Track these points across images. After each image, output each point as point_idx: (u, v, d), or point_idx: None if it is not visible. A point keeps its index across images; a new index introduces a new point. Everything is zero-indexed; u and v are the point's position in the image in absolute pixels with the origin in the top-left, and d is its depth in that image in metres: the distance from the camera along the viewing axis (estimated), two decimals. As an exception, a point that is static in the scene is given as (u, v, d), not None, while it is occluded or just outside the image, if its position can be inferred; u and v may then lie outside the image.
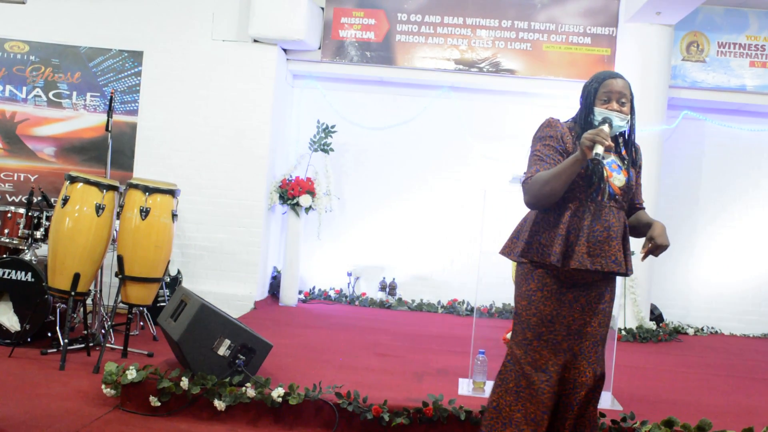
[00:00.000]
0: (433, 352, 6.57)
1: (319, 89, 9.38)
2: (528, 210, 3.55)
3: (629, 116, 3.46)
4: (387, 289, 9.29)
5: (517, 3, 8.94)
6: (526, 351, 3.40)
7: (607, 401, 5.05)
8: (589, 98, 3.45)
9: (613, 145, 3.40)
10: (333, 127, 8.91)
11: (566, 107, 9.15)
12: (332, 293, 9.30)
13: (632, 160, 3.56)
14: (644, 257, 3.37)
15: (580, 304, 3.41)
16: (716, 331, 9.26)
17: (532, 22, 8.94)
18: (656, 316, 8.82)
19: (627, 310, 8.34)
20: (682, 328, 9.05)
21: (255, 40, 8.53)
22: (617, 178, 3.43)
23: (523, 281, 3.47)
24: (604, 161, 3.39)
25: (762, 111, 9.26)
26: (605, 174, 3.39)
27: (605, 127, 3.23)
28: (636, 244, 5.63)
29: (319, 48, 9.00)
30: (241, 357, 4.75)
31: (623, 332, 8.11)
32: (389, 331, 7.52)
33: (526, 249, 3.43)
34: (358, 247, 9.43)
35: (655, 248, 3.34)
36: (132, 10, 8.57)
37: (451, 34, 8.97)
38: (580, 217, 3.35)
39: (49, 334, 6.08)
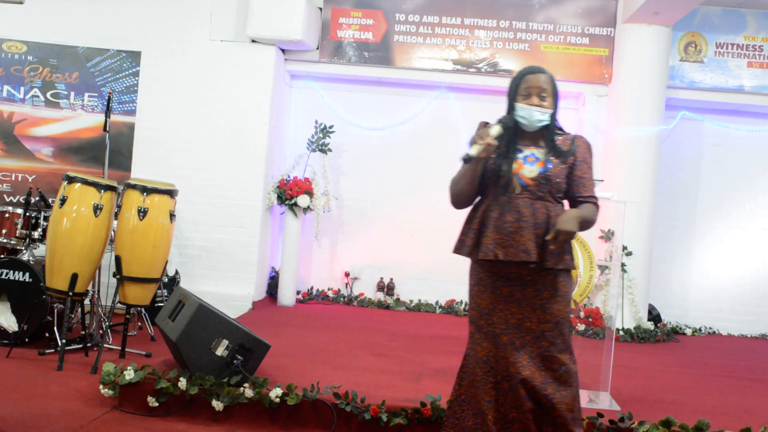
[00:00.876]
0: (431, 352, 6.57)
1: (317, 89, 9.38)
2: None
3: (551, 110, 3.54)
4: (385, 290, 9.29)
5: (515, 3, 8.95)
6: (471, 343, 3.53)
7: (605, 401, 5.06)
8: (512, 94, 3.57)
9: (496, 144, 3.42)
10: (331, 127, 8.91)
11: (564, 107, 9.24)
12: (330, 293, 9.30)
13: (560, 152, 3.54)
14: (551, 243, 3.34)
15: (516, 298, 3.46)
16: (714, 332, 9.27)
17: (530, 22, 8.94)
18: (654, 316, 8.83)
19: (625, 310, 8.35)
20: (680, 328, 9.06)
21: (253, 41, 8.53)
22: (529, 170, 3.46)
23: (469, 277, 3.61)
24: (521, 153, 3.49)
25: (759, 111, 9.27)
26: (515, 166, 3.46)
27: (493, 128, 3.38)
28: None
29: (317, 48, 9.00)
30: (239, 357, 4.75)
31: (621, 332, 8.12)
32: (387, 331, 7.52)
33: (458, 245, 3.59)
34: (356, 247, 9.43)
35: (556, 234, 3.28)
36: (130, 10, 8.56)
37: (449, 35, 8.98)
38: (491, 210, 3.47)
39: (47, 335, 6.07)
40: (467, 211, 3.63)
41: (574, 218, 3.30)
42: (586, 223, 3.46)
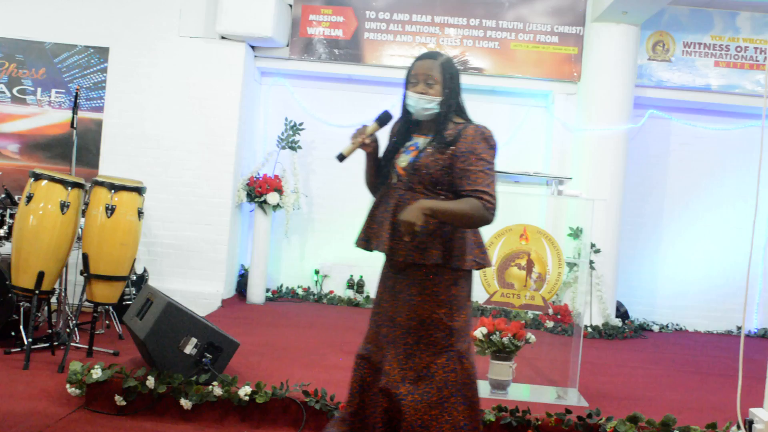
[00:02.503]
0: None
1: (287, 87, 9.36)
2: None
3: (438, 97, 3.33)
4: (355, 287, 9.29)
5: (485, 2, 8.98)
6: (368, 328, 3.50)
7: (573, 398, 5.10)
8: (405, 83, 3.41)
9: (368, 141, 3.37)
10: (301, 124, 8.89)
11: (534, 105, 9.29)
12: (300, 291, 9.28)
13: (442, 142, 3.28)
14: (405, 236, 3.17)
15: (395, 291, 3.35)
16: (681, 328, 9.36)
17: (499, 20, 8.98)
18: (622, 313, 8.90)
19: (593, 307, 8.41)
20: (648, 324, 9.14)
21: (222, 37, 8.49)
22: (403, 159, 3.36)
23: None
24: (409, 142, 3.41)
25: (726, 110, 9.37)
26: (396, 156, 3.41)
27: (369, 126, 3.35)
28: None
29: (287, 45, 8.97)
30: (208, 355, 4.73)
31: (589, 329, 8.18)
32: (357, 329, 7.49)
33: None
34: (326, 245, 9.42)
35: (400, 225, 3.13)
36: (98, 5, 8.49)
37: (419, 32, 8.99)
38: (374, 200, 3.46)
39: (13, 334, 6.00)
40: None
41: (419, 209, 3.07)
42: (458, 218, 3.18)
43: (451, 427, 3.20)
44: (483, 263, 3.36)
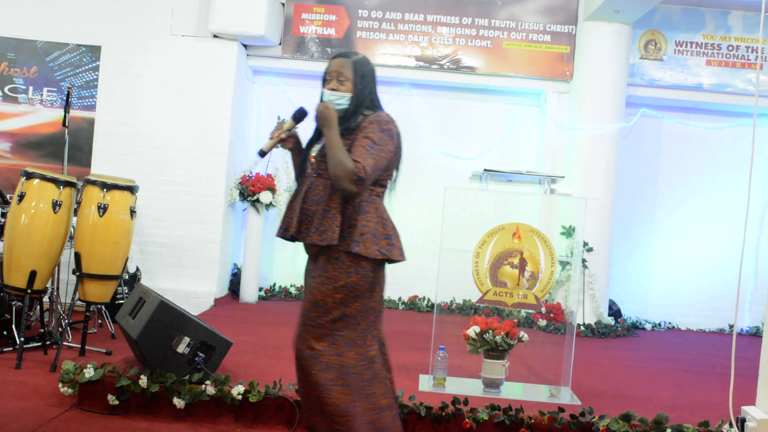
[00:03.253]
0: (393, 348, 6.53)
1: (279, 85, 9.34)
2: None
3: (348, 94, 3.50)
4: (348, 286, 9.27)
5: (477, 1, 8.98)
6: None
7: (566, 396, 5.11)
8: (321, 81, 3.59)
9: (285, 136, 3.56)
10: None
11: (526, 104, 9.30)
12: (293, 290, 9.28)
13: (349, 131, 3.44)
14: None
15: (311, 277, 3.51)
16: (673, 326, 9.39)
17: (492, 19, 8.98)
18: (614, 311, 8.92)
19: (586, 305, 8.42)
20: (640, 323, 9.17)
21: (215, 36, 8.48)
22: (315, 149, 3.51)
23: None
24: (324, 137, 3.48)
25: (718, 109, 9.39)
26: (310, 150, 3.56)
27: (286, 122, 3.52)
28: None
29: (280, 44, 8.96)
30: (201, 354, 4.73)
31: (582, 328, 8.19)
32: (350, 327, 7.50)
33: None
34: (319, 243, 9.39)
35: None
36: (90, 4, 8.46)
37: (411, 31, 8.99)
38: (299, 193, 3.54)
39: (5, 333, 5.98)
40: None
41: (325, 116, 3.38)
42: (333, 157, 3.30)
43: (333, 409, 3.30)
44: (389, 255, 3.49)
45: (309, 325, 3.38)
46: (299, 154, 3.60)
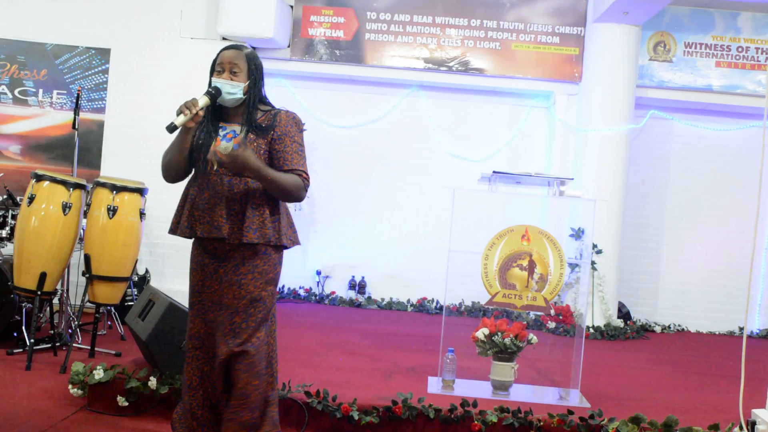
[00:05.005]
0: (402, 350, 6.58)
1: (288, 87, 9.35)
2: None
3: (240, 84, 3.53)
4: (356, 288, 9.29)
5: (486, 2, 8.98)
6: (188, 322, 3.61)
7: (575, 398, 5.09)
8: (211, 72, 3.61)
9: (201, 114, 3.43)
10: (302, 125, 8.86)
11: (535, 106, 9.30)
12: (302, 292, 9.29)
13: (260, 128, 3.51)
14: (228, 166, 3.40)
15: (219, 275, 3.51)
16: (683, 329, 9.35)
17: (500, 21, 8.98)
18: (624, 314, 8.89)
19: (595, 308, 8.41)
20: (650, 325, 9.14)
21: (224, 38, 8.48)
22: (224, 147, 3.42)
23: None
24: (223, 129, 3.54)
25: (727, 111, 9.36)
26: (213, 143, 3.50)
27: (201, 99, 3.42)
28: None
29: (288, 46, 8.97)
30: (210, 356, 4.73)
31: (591, 330, 8.17)
32: (359, 329, 7.52)
33: (171, 225, 3.66)
34: (328, 245, 9.42)
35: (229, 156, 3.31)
36: (99, 7, 8.48)
37: (420, 33, 8.99)
38: (192, 186, 3.55)
39: (15, 334, 6.01)
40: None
41: (248, 162, 3.30)
42: (280, 188, 3.42)
43: (263, 395, 3.52)
44: (296, 242, 3.64)
45: (246, 322, 3.47)
46: (192, 137, 3.52)
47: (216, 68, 3.56)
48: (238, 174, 3.43)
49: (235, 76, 3.52)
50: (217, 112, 3.58)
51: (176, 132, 3.40)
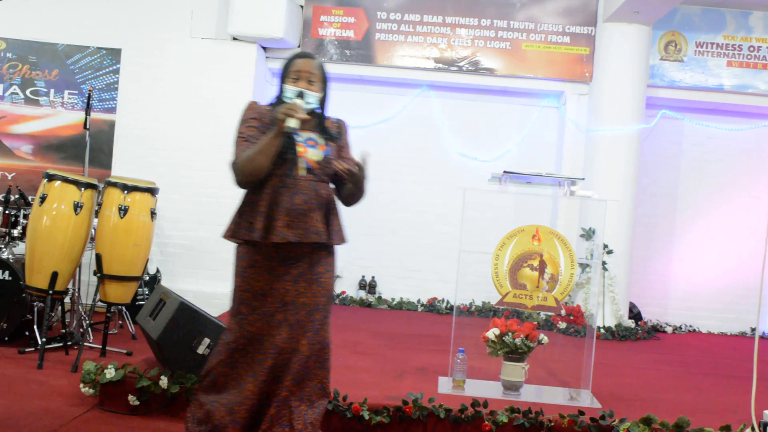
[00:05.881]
0: (413, 350, 6.57)
1: (298, 87, 9.34)
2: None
3: (319, 94, 3.61)
4: (367, 288, 9.29)
5: (496, 2, 8.97)
6: (241, 324, 3.56)
7: (586, 399, 5.08)
8: (282, 77, 3.62)
9: (309, 118, 3.51)
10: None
11: (545, 105, 9.28)
12: (311, 291, 9.27)
13: (331, 136, 3.65)
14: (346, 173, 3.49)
15: (292, 276, 3.53)
16: (694, 329, 9.33)
17: (511, 21, 8.97)
18: (635, 314, 8.87)
19: (606, 308, 8.39)
20: (661, 326, 9.12)
21: (234, 38, 8.51)
22: (313, 153, 3.54)
23: (237, 259, 3.68)
24: (299, 137, 3.52)
25: (739, 110, 9.33)
26: (299, 150, 3.52)
27: (298, 101, 3.44)
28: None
29: (299, 46, 8.99)
30: (221, 356, 4.73)
31: (602, 330, 8.15)
32: (369, 329, 7.52)
33: (234, 229, 3.62)
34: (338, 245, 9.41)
35: (354, 166, 3.50)
36: (110, 7, 8.52)
37: (430, 33, 8.99)
38: (279, 193, 3.49)
39: (27, 333, 6.03)
40: (255, 194, 3.60)
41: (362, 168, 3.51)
42: (362, 194, 3.69)
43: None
44: None
45: (325, 318, 3.60)
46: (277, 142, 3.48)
47: (291, 75, 3.57)
48: (323, 180, 3.56)
49: (312, 86, 3.56)
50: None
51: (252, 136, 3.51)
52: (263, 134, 3.49)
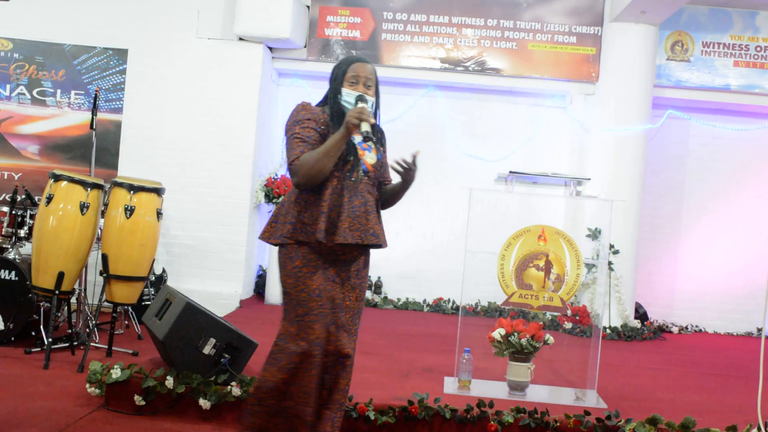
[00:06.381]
0: (418, 350, 6.57)
1: (304, 87, 9.36)
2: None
3: (374, 99, 3.58)
4: (373, 288, 9.30)
5: (502, 2, 8.96)
6: (300, 327, 3.45)
7: (592, 399, 5.08)
8: (338, 80, 3.56)
9: (375, 121, 3.50)
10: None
11: (552, 106, 9.27)
12: (318, 292, 9.27)
13: (380, 141, 3.70)
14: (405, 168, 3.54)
15: (341, 278, 3.53)
16: (700, 330, 9.31)
17: (517, 21, 8.96)
18: (641, 314, 8.86)
19: (612, 308, 8.38)
20: (667, 326, 9.10)
21: (240, 39, 8.51)
22: (369, 156, 3.56)
23: (288, 260, 3.50)
24: (355, 139, 3.50)
25: (745, 110, 9.31)
26: (358, 152, 3.52)
27: (366, 105, 3.40)
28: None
29: (305, 46, 8.99)
30: (227, 356, 4.74)
31: (608, 330, 8.14)
32: (375, 329, 7.51)
33: (292, 230, 3.47)
34: (344, 245, 9.41)
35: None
36: (117, 7, 8.53)
37: (436, 33, 8.98)
38: (340, 194, 3.46)
39: (33, 333, 6.04)
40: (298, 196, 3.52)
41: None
42: (402, 197, 3.77)
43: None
44: None
45: (359, 323, 3.65)
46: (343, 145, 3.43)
47: (349, 79, 3.52)
48: (374, 183, 3.59)
49: (369, 90, 3.54)
50: (338, 124, 3.47)
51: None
52: (321, 136, 3.45)
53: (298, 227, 3.46)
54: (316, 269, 3.47)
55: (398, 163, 3.50)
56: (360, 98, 3.46)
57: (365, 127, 3.29)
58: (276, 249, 3.58)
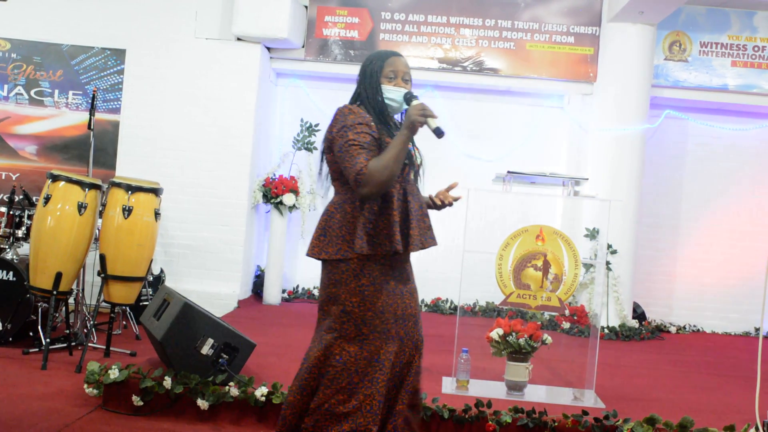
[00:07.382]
0: (416, 350, 6.56)
1: (302, 88, 9.37)
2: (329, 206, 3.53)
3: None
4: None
5: (500, 2, 8.96)
6: (361, 346, 3.25)
7: (590, 399, 5.08)
8: (375, 77, 3.38)
9: (438, 116, 3.27)
10: (317, 125, 8.89)
11: (549, 106, 9.27)
12: (316, 292, 9.28)
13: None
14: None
15: (400, 289, 3.33)
16: (698, 329, 9.31)
17: (515, 21, 8.96)
18: (639, 314, 8.86)
19: (610, 308, 8.38)
20: (665, 326, 9.10)
21: (238, 39, 8.51)
22: (417, 156, 3.45)
23: (352, 278, 3.24)
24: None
25: (743, 110, 9.31)
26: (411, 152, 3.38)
27: (423, 102, 3.24)
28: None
29: (303, 46, 8.98)
30: (225, 356, 4.74)
31: (606, 330, 8.15)
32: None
33: (372, 243, 3.23)
34: (342, 245, 9.40)
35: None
36: (114, 7, 8.52)
37: (434, 33, 8.98)
38: (404, 200, 3.30)
39: (31, 334, 6.04)
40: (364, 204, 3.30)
41: None
42: None
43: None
44: None
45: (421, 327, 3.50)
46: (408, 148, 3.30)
47: (387, 74, 3.35)
48: (417, 182, 3.47)
49: (407, 84, 3.38)
50: (383, 124, 3.37)
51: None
52: (375, 140, 3.26)
53: (378, 239, 3.24)
54: (381, 285, 3.26)
55: (440, 199, 3.41)
56: (409, 95, 3.29)
57: (434, 123, 3.15)
58: (318, 263, 3.38)
